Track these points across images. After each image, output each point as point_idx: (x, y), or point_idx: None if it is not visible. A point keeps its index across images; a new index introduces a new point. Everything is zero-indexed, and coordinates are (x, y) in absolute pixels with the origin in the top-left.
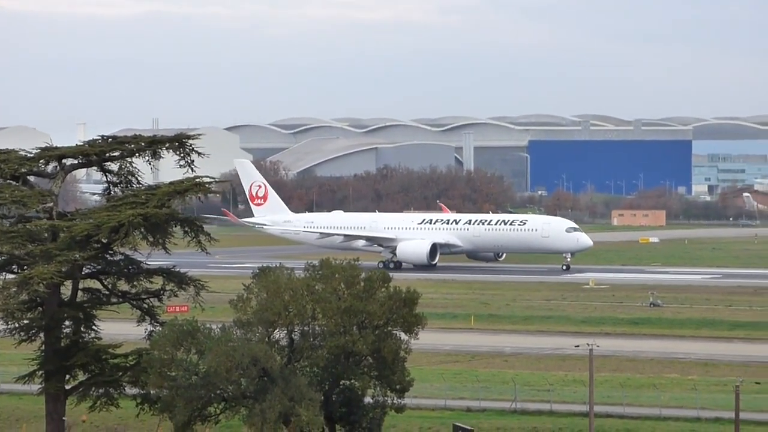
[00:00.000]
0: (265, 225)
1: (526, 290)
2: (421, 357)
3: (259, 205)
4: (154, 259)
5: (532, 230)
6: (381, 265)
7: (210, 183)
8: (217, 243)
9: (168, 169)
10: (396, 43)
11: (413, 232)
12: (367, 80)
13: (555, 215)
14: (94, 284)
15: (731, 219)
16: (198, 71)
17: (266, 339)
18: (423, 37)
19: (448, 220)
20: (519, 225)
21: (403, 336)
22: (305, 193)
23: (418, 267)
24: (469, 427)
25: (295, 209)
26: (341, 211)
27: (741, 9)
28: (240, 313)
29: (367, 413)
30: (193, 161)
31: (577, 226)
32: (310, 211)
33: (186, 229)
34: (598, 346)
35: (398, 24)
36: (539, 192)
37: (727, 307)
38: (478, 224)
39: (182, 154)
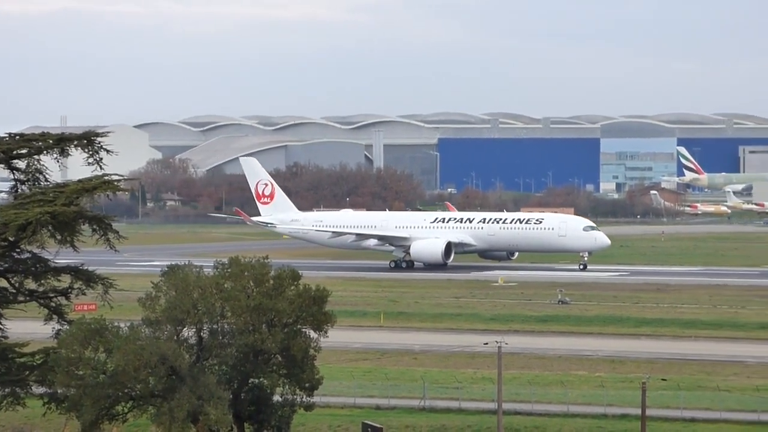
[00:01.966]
0: (273, 224)
1: (436, 288)
2: (330, 355)
3: (265, 203)
4: (62, 257)
5: (549, 229)
6: (392, 265)
7: (119, 181)
8: (127, 240)
9: (77, 167)
10: (306, 41)
11: (426, 231)
12: (277, 78)
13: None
14: (1, 282)
15: (639, 216)
16: (107, 69)
17: (175, 337)
18: (333, 36)
19: (462, 219)
20: (535, 224)
21: (313, 334)
22: (215, 190)
23: (431, 266)
24: (378, 425)
25: (205, 207)
26: (350, 210)
27: (645, 8)
28: (148, 311)
29: (276, 411)
30: (101, 159)
31: (594, 224)
32: (218, 208)
33: (94, 227)
34: (506, 344)
35: (308, 22)
36: (449, 189)
37: (634, 304)
38: (493, 223)
39: (91, 152)
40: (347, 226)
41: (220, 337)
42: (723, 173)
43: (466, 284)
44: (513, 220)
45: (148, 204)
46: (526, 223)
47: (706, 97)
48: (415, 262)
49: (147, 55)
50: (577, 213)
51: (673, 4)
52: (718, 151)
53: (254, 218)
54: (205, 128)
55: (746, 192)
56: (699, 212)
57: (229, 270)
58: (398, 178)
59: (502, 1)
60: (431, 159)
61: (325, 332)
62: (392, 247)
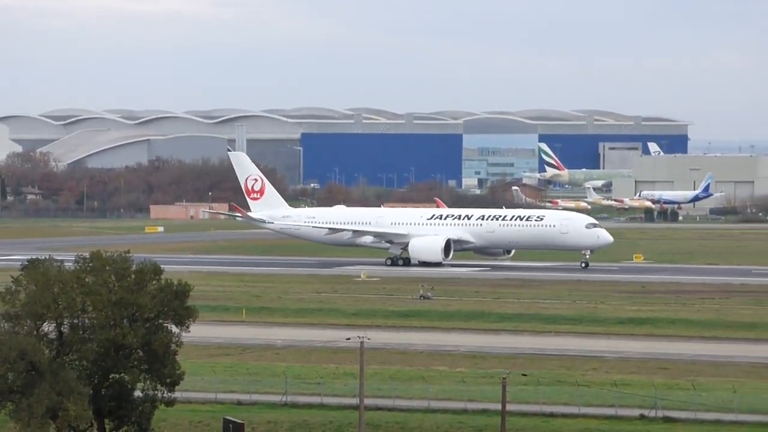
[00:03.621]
0: (265, 221)
1: (298, 283)
2: (192, 350)
3: (255, 199)
4: None
5: (550, 226)
6: (389, 262)
7: None
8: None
9: None
10: (170, 36)
11: (424, 228)
12: (140, 72)
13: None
14: None
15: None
16: None
17: (34, 332)
18: (198, 30)
19: (460, 216)
20: (536, 221)
21: (175, 329)
22: (76, 184)
23: (429, 264)
24: (239, 421)
25: (66, 201)
26: (343, 206)
27: (510, 5)
28: (8, 305)
29: (136, 407)
30: None
31: (596, 222)
32: (80, 202)
33: None
34: (368, 339)
35: (173, 16)
36: (312, 185)
37: (495, 300)
38: (492, 220)
39: None
40: (341, 223)
41: (81, 332)
42: (583, 169)
43: (328, 280)
44: (513, 217)
45: (8, 198)
46: (527, 220)
47: (567, 94)
48: (411, 260)
49: (7, 50)
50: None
51: (537, 3)
52: (579, 148)
53: (241, 214)
54: (67, 122)
55: (606, 188)
56: (559, 207)
57: (90, 264)
58: (261, 172)
59: None
60: (294, 154)
61: (187, 327)
62: (388, 245)
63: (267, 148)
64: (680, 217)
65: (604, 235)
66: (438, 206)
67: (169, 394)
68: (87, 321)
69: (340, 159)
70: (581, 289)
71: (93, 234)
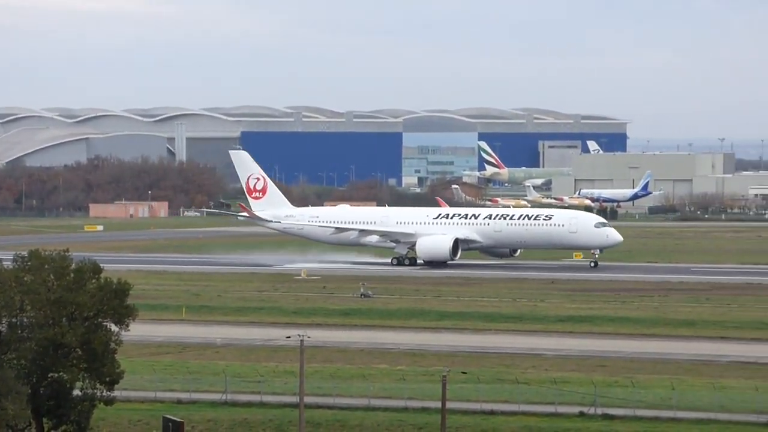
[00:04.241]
0: (270, 220)
1: (238, 281)
2: (131, 349)
3: (257, 198)
4: None
5: (559, 225)
6: (395, 262)
7: None
8: None
9: None
10: (109, 33)
11: (431, 227)
12: (79, 70)
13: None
14: None
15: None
16: None
17: None
18: (138, 27)
19: (466, 215)
20: (544, 220)
21: (114, 327)
22: (14, 183)
23: (436, 264)
24: (179, 420)
25: (4, 200)
26: (347, 205)
27: (450, 5)
28: None
29: (75, 406)
30: None
31: (605, 221)
32: (18, 201)
33: None
34: (309, 337)
35: (112, 14)
36: None
37: (435, 298)
38: (500, 219)
39: None
40: (345, 222)
41: (20, 331)
42: (523, 168)
43: (269, 278)
44: (521, 216)
45: None
46: (535, 219)
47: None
48: (418, 259)
49: None
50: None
51: (477, 2)
52: (519, 146)
53: (246, 214)
54: (5, 120)
55: (545, 186)
56: (499, 206)
57: (29, 263)
58: (201, 171)
59: None
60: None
61: (127, 326)
62: (393, 244)
63: (207, 146)
64: (619, 216)
65: (613, 235)
66: (440, 205)
67: (109, 392)
68: (25, 320)
69: (280, 157)
70: (521, 287)
71: (32, 233)
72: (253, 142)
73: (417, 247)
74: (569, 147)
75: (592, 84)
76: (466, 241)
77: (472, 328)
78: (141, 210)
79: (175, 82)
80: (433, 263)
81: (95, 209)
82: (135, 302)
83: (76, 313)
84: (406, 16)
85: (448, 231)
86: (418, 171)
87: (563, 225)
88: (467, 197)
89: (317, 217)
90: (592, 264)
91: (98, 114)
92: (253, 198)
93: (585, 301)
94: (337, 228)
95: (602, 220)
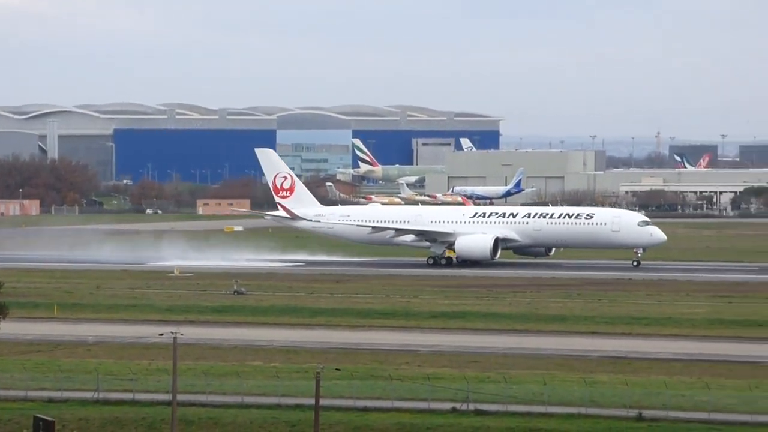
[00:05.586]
0: (308, 219)
1: (111, 279)
2: (1, 347)
3: (284, 197)
4: None
5: (601, 224)
6: (431, 261)
7: None
8: None
9: None
10: None
11: (469, 227)
12: None
13: (140, 204)
14: None
15: None
16: None
17: None
18: (6, 22)
19: (504, 214)
20: (586, 218)
21: None
22: None
23: (475, 263)
24: (50, 419)
25: None
26: (379, 204)
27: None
28: None
29: None
30: None
31: (648, 219)
32: None
33: None
34: (182, 335)
35: None
36: (125, 181)
37: (309, 295)
38: (540, 218)
39: None
40: (378, 221)
41: None
42: (397, 165)
43: (141, 275)
44: (561, 215)
45: None
46: (576, 218)
47: (381, 90)
48: (454, 259)
49: None
50: (253, 205)
51: None
52: (392, 143)
53: (272, 213)
54: None
55: (419, 184)
56: (374, 203)
57: None
58: (73, 169)
59: None
60: (107, 150)
61: None
62: (428, 243)
63: (79, 143)
64: None
65: (657, 233)
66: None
67: None
68: None
69: (153, 155)
70: (394, 283)
71: None
72: (126, 139)
73: (456, 246)
74: (443, 144)
75: (466, 81)
76: (504, 240)
77: (345, 325)
78: (12, 208)
79: (47, 79)
80: (471, 263)
81: None
82: (5, 300)
83: None
84: (280, 15)
85: (487, 230)
86: (292, 168)
87: (605, 224)
88: (341, 195)
89: (348, 216)
90: (635, 263)
91: None
92: (281, 197)
93: (458, 297)
94: (374, 227)
95: (646, 218)
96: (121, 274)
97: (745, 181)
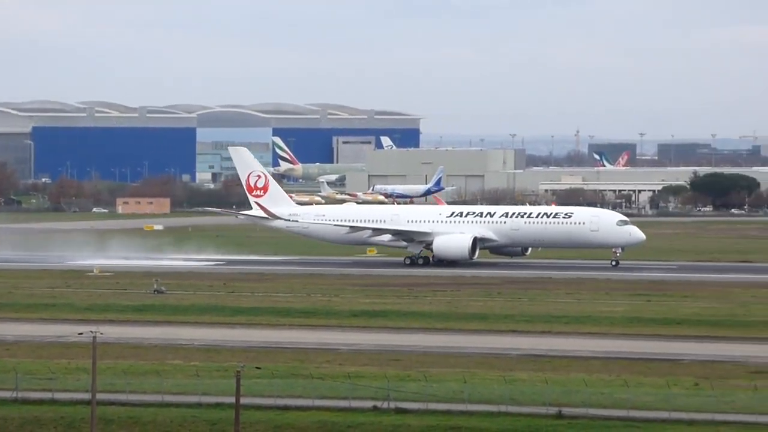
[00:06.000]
0: (287, 219)
1: (28, 278)
2: None
3: (258, 196)
4: None
5: (579, 223)
6: (408, 261)
7: None
8: None
9: None
10: None
11: (446, 226)
12: None
13: (59, 203)
14: None
15: (235, 206)
16: None
17: None
18: None
19: (481, 213)
20: (564, 218)
21: None
22: None
23: (452, 263)
24: None
25: None
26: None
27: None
28: None
29: None
30: None
31: (627, 219)
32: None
33: None
34: (102, 334)
35: None
36: (43, 179)
37: (229, 294)
38: (517, 217)
39: None
40: (353, 221)
41: None
42: (317, 163)
43: (60, 274)
44: (539, 214)
45: None
46: (554, 217)
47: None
48: (431, 259)
49: None
50: (173, 203)
51: None
52: (313, 142)
53: (246, 212)
54: None
55: (340, 182)
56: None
57: None
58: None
59: None
60: (25, 148)
61: None
62: (405, 243)
63: None
64: None
65: (636, 233)
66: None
67: None
68: None
69: (72, 153)
70: (315, 282)
71: None
72: (44, 137)
73: (434, 246)
74: (363, 142)
75: (386, 80)
76: (482, 239)
77: (266, 324)
78: None
79: None
80: (448, 263)
81: None
82: None
83: None
84: (198, 12)
85: (465, 229)
86: (212, 167)
87: (584, 223)
88: None
89: (323, 215)
90: (614, 263)
91: None
92: (254, 196)
93: (378, 296)
94: (351, 227)
95: (624, 218)
96: (39, 273)
97: (663, 180)
